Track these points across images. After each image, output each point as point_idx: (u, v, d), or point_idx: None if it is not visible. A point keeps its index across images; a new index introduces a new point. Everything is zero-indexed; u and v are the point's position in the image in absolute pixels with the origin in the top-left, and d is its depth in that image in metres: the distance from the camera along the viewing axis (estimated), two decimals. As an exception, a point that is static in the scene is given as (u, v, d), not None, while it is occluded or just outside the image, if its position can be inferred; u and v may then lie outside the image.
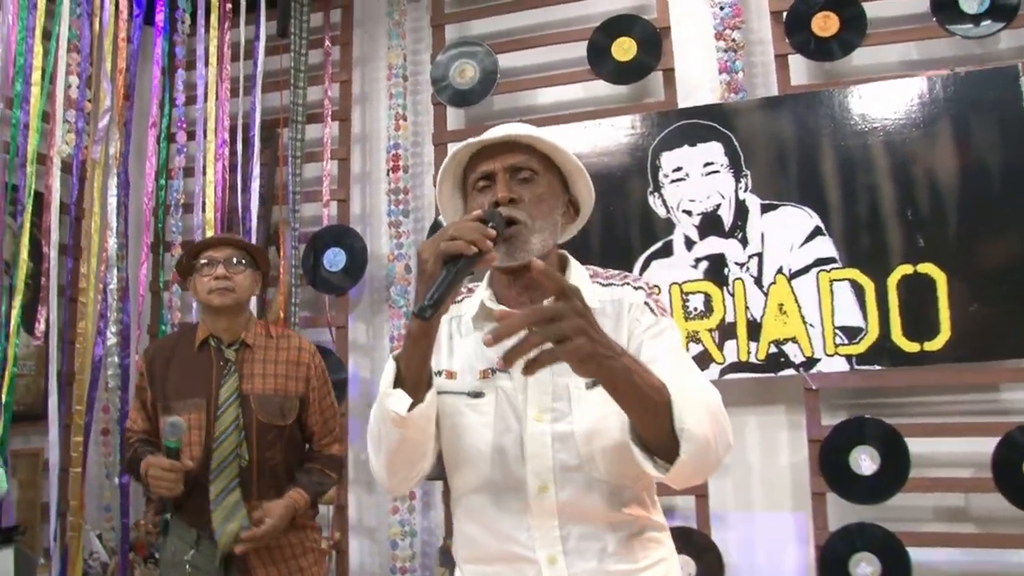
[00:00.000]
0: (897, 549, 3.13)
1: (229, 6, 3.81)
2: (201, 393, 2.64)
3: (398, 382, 1.42)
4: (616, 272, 1.65)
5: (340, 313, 3.87)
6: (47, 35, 3.25)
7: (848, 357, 3.26)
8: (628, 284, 1.60)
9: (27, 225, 3.14)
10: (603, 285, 1.60)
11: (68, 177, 3.30)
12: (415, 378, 1.41)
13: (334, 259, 3.86)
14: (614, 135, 3.59)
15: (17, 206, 3.13)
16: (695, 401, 1.34)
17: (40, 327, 3.17)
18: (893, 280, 3.24)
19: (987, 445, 3.08)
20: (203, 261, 2.69)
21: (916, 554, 3.13)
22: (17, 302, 3.08)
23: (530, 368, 1.20)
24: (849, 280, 3.28)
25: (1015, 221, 3.13)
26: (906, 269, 3.23)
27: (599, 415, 1.47)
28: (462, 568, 1.61)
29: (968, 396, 3.27)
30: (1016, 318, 3.10)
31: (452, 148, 3.56)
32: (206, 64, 3.71)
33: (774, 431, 3.46)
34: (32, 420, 3.38)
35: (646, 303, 1.56)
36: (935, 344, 3.18)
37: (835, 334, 3.28)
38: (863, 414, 3.26)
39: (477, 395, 1.54)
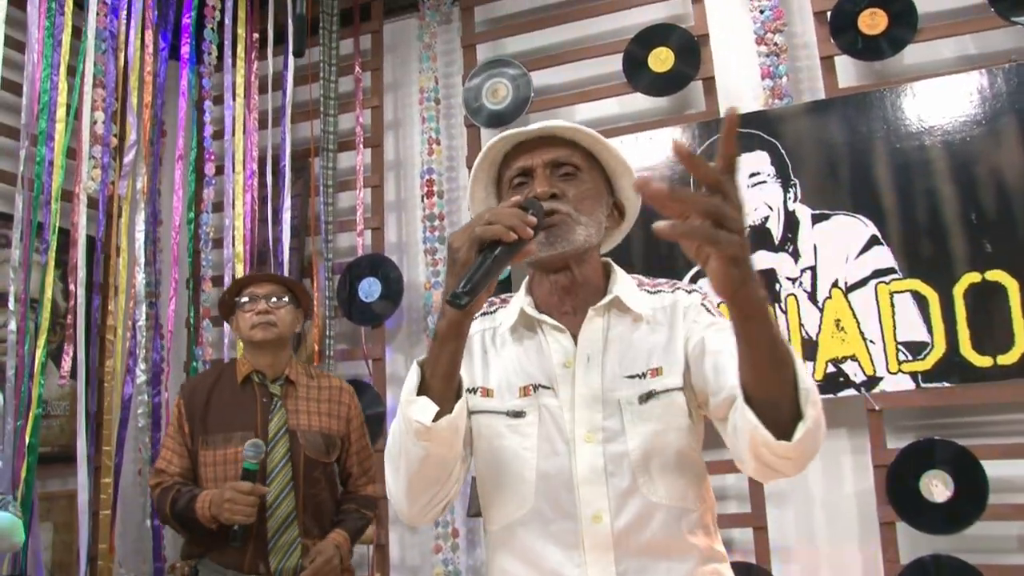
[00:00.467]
0: (978, 583, 2.87)
1: (256, 36, 3.76)
2: (248, 427, 2.60)
3: (423, 389, 1.26)
4: (664, 280, 1.51)
5: (377, 345, 3.75)
6: (71, 71, 3.23)
7: (913, 374, 3.02)
8: (680, 289, 1.47)
9: (51, 263, 3.10)
10: (651, 293, 1.46)
11: (95, 213, 3.25)
12: (442, 385, 1.25)
13: (369, 289, 3.76)
14: (654, 149, 3.43)
15: (42, 243, 3.09)
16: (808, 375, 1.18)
17: (66, 366, 3.11)
18: (959, 289, 3.00)
19: (1075, 467, 2.81)
20: (245, 298, 2.70)
21: (999, 588, 2.86)
22: (42, 341, 3.03)
23: (675, 230, 0.98)
24: (911, 291, 3.05)
25: (1093, 221, 2.89)
26: (973, 277, 2.99)
27: (656, 431, 1.34)
28: None
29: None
30: (1101, 327, 2.84)
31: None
32: (233, 96, 3.65)
33: (836, 457, 3.22)
34: (67, 461, 3.32)
35: (703, 304, 1.43)
36: (1010, 357, 2.92)
37: (898, 350, 3.04)
38: (932, 435, 3.01)
39: (518, 415, 1.40)
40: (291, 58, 3.74)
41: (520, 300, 1.48)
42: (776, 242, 3.23)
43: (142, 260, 3.34)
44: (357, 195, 3.83)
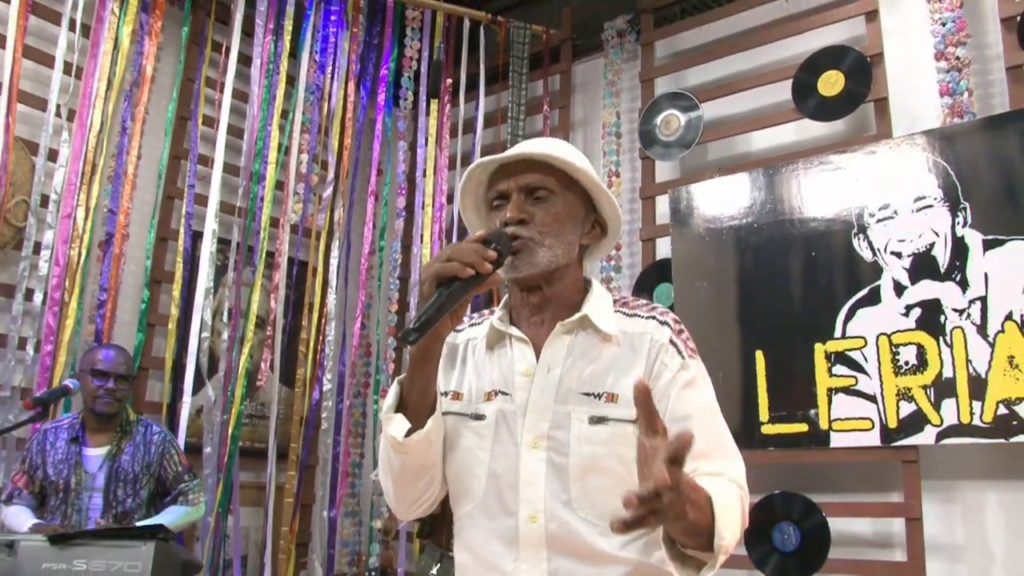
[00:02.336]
0: None
1: (450, 82, 4.14)
2: None
3: (402, 405, 1.40)
4: (644, 302, 1.51)
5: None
6: (284, 114, 3.78)
7: (1101, 422, 2.61)
8: (654, 318, 1.46)
9: (258, 282, 3.62)
10: (627, 315, 1.48)
11: (294, 238, 3.76)
12: (417, 403, 1.39)
13: (548, 317, 3.93)
14: (821, 175, 3.29)
15: (252, 265, 3.63)
16: (731, 505, 1.26)
17: (264, 377, 3.61)
18: None
19: None
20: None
21: None
22: (246, 349, 3.55)
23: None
24: (1101, 328, 2.65)
25: None
26: None
27: (598, 454, 1.37)
28: None
29: None
30: None
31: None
32: (426, 139, 4.04)
33: (1019, 509, 2.84)
34: (261, 456, 3.80)
35: (672, 342, 1.43)
36: None
37: (1082, 393, 2.65)
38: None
39: (479, 417, 1.47)
40: (482, 103, 4.06)
41: (497, 313, 1.58)
42: (942, 270, 2.95)
43: (334, 282, 3.78)
44: (541, 228, 4.03)
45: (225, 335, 3.63)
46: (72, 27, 3.44)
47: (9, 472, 3.03)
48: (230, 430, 3.51)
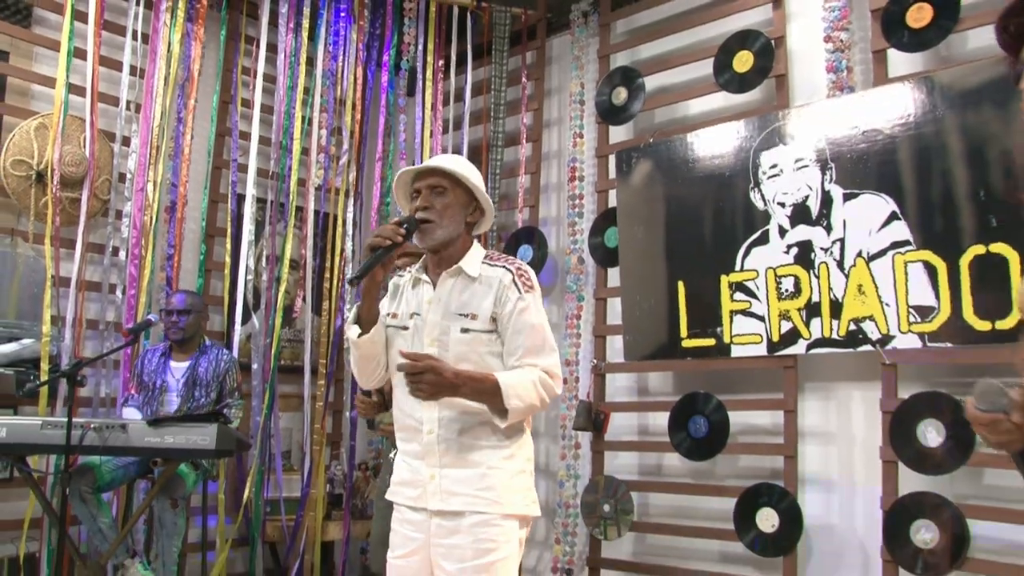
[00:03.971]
0: (958, 520, 3.26)
1: (441, 63, 4.97)
2: None
3: (357, 320, 2.34)
4: (507, 257, 2.41)
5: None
6: (305, 91, 4.68)
7: (921, 335, 3.43)
8: (505, 267, 2.36)
9: (290, 232, 4.58)
10: (490, 265, 2.37)
11: (319, 196, 4.71)
12: (366, 318, 2.33)
13: (525, 254, 4.80)
14: (728, 140, 4.06)
15: (284, 219, 4.58)
16: (522, 383, 2.18)
17: (299, 309, 4.59)
18: (965, 260, 3.34)
19: (1055, 424, 3.08)
20: None
21: (975, 527, 3.23)
22: (283, 287, 4.52)
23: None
24: (923, 261, 3.45)
25: (1091, 197, 3.09)
26: (978, 249, 3.32)
27: (464, 351, 2.29)
28: (397, 434, 2.47)
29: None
30: (1090, 296, 3.06)
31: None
32: (423, 109, 4.90)
33: (851, 403, 3.72)
34: (297, 371, 4.81)
35: (513, 282, 2.32)
36: (1007, 323, 3.23)
37: (909, 313, 3.46)
38: (933, 389, 3.40)
39: (404, 328, 2.41)
40: (469, 75, 4.89)
41: (418, 265, 2.48)
42: (813, 218, 3.75)
43: (351, 231, 4.71)
44: (519, 181, 4.89)
45: (266, 276, 4.62)
46: (135, 37, 4.35)
47: (111, 383, 4.12)
48: (272, 351, 4.51)
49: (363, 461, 4.79)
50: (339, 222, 4.83)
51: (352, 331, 2.32)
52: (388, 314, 2.43)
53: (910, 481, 3.41)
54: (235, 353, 4.37)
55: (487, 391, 2.15)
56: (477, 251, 2.40)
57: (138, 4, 4.36)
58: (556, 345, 2.34)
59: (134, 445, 3.19)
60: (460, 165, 2.37)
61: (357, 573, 4.86)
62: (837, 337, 3.65)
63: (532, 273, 2.36)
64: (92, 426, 3.16)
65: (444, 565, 2.15)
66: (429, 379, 2.09)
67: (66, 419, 3.04)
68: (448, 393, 2.14)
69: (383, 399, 3.28)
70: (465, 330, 2.27)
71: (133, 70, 4.35)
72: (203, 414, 3.44)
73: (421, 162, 4.86)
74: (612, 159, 4.57)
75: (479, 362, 2.25)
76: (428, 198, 2.33)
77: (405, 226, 2.25)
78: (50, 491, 3.72)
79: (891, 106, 3.57)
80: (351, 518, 4.69)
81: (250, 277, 4.56)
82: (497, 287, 2.29)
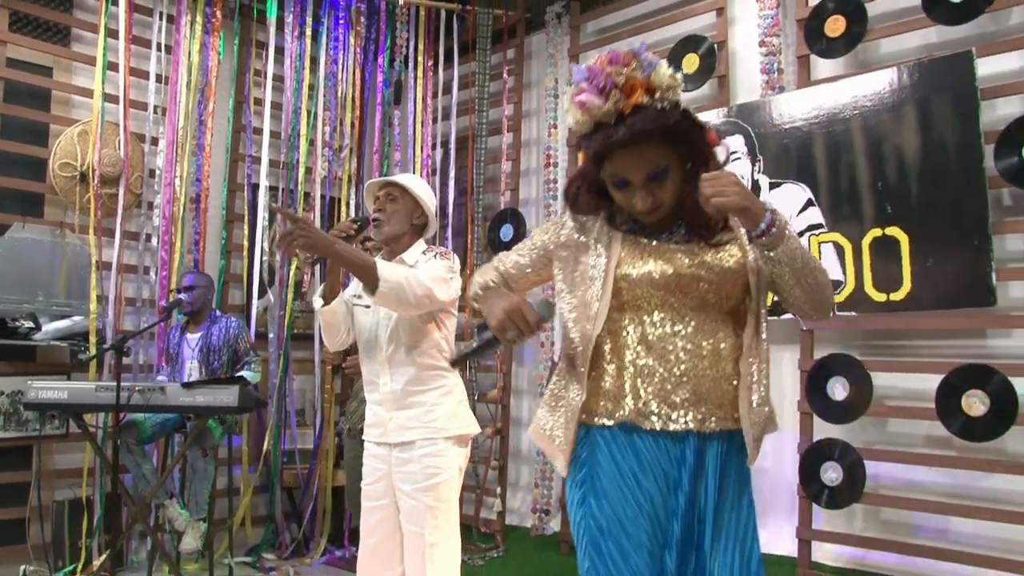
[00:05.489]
0: (857, 461, 3.88)
1: (431, 62, 5.55)
2: None
3: (323, 297, 2.96)
4: (438, 249, 3.03)
5: (509, 271, 5.43)
6: (310, 87, 5.29)
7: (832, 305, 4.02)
8: (435, 255, 2.98)
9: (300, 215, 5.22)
10: (424, 255, 3.00)
11: (324, 184, 5.35)
12: (329, 293, 2.92)
13: (506, 232, 5.42)
14: (678, 132, 4.63)
15: (294, 203, 5.23)
16: (394, 268, 2.68)
17: (307, 282, 5.25)
18: (866, 241, 3.93)
19: (933, 382, 3.69)
20: None
21: (871, 467, 3.86)
22: (294, 265, 5.18)
23: (281, 242, 2.59)
24: (833, 242, 4.03)
25: (966, 189, 3.64)
26: (876, 232, 3.90)
27: (400, 316, 2.86)
28: (364, 388, 3.10)
29: (925, 341, 3.89)
30: (964, 275, 3.64)
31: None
32: (414, 102, 5.50)
33: (784, 363, 4.32)
34: (308, 339, 5.49)
35: (434, 256, 2.93)
36: (899, 295, 3.83)
37: (822, 286, 4.05)
38: (840, 351, 4.01)
39: (367, 307, 3.02)
40: (456, 71, 5.48)
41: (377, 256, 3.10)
42: (745, 203, 4.33)
43: (353, 214, 5.34)
44: (502, 166, 5.49)
45: (279, 256, 5.28)
46: (159, 49, 4.98)
47: (148, 352, 4.84)
48: (286, 321, 5.18)
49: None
50: (342, 206, 5.46)
51: (317, 303, 2.91)
52: (355, 295, 3.05)
53: (825, 429, 4.03)
54: (253, 323, 5.04)
55: (361, 262, 2.58)
56: (419, 246, 2.99)
57: (162, 19, 4.98)
58: (443, 275, 2.79)
59: (171, 404, 3.88)
60: (409, 181, 2.98)
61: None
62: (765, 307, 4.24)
63: (452, 255, 2.92)
64: (137, 388, 3.85)
65: (401, 487, 2.79)
66: (299, 234, 2.47)
67: (115, 383, 3.73)
68: (322, 249, 2.52)
69: (343, 354, 3.81)
70: None
71: (159, 78, 4.98)
72: (227, 378, 4.13)
73: (412, 153, 5.52)
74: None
75: (420, 328, 2.84)
76: (382, 203, 2.95)
77: (358, 223, 2.88)
78: (101, 443, 4.43)
79: (810, 106, 4.13)
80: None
81: (265, 257, 5.22)
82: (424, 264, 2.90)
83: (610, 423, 1.83)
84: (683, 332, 1.81)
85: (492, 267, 2.12)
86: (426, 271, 2.78)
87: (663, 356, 1.80)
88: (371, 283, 2.58)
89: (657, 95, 1.72)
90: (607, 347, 1.86)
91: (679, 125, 1.75)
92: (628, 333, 1.84)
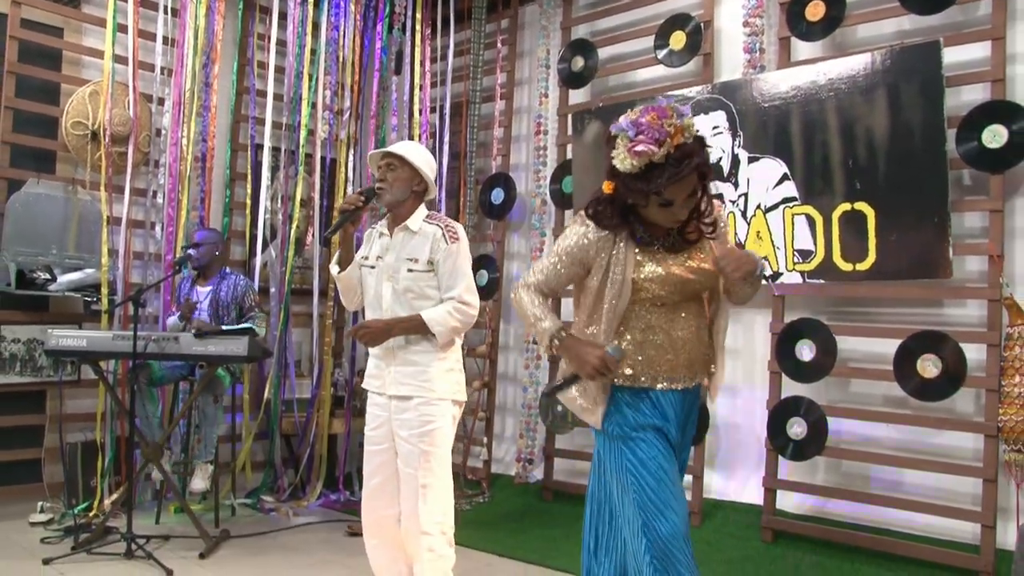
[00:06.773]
0: (820, 417, 4.21)
1: (428, 30, 5.75)
2: None
3: (338, 262, 3.25)
4: (440, 216, 3.29)
5: (499, 232, 5.70)
6: (312, 52, 5.48)
7: (802, 273, 4.33)
8: (438, 224, 3.24)
9: (301, 176, 5.45)
10: (428, 224, 3.26)
11: (324, 145, 5.58)
12: (343, 260, 3.24)
13: (496, 195, 5.68)
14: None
15: (295, 165, 5.45)
16: (439, 313, 3.06)
17: (309, 241, 5.50)
18: (836, 214, 4.21)
19: (892, 346, 4.01)
20: None
21: (833, 423, 4.19)
22: (295, 222, 5.42)
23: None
24: (805, 214, 4.32)
25: (929, 170, 3.93)
26: (846, 206, 4.18)
27: (410, 286, 3.14)
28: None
29: (886, 309, 4.21)
30: (925, 248, 3.93)
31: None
32: (412, 68, 5.71)
33: (757, 326, 4.64)
34: (308, 294, 5.73)
35: (443, 235, 3.19)
36: (864, 265, 4.13)
37: (794, 255, 4.36)
38: (808, 316, 4.32)
39: (372, 268, 3.29)
40: (452, 38, 5.69)
41: (383, 221, 3.35)
42: (725, 175, 4.61)
43: (351, 176, 5.58)
44: (494, 132, 5.72)
45: (280, 214, 5.51)
46: (167, 11, 5.14)
47: (154, 303, 5.08)
48: (286, 277, 5.43)
49: (362, 368, 5.76)
50: (342, 167, 5.69)
51: (334, 269, 3.23)
52: (363, 256, 3.32)
53: (793, 388, 4.36)
54: (256, 278, 5.28)
55: (416, 326, 3.05)
56: (421, 212, 3.23)
57: (169, -18, 5.15)
58: (470, 275, 3.16)
59: (184, 352, 4.14)
60: (407, 149, 3.21)
61: (357, 461, 5.90)
62: (740, 273, 4.55)
63: (458, 228, 3.19)
64: (153, 338, 4.11)
65: (400, 432, 3.09)
66: (363, 334, 3.06)
67: (132, 332, 3.98)
68: (384, 337, 3.06)
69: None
70: (411, 270, 3.12)
71: (166, 40, 5.15)
72: (236, 328, 4.39)
73: (408, 119, 5.73)
74: (570, 118, 5.40)
75: (421, 292, 3.11)
76: (384, 172, 3.19)
77: (364, 194, 3.14)
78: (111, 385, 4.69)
79: (788, 86, 4.38)
80: (352, 415, 5.67)
81: (267, 215, 5.46)
82: (432, 239, 3.14)
83: (630, 385, 2.48)
84: (680, 316, 2.48)
85: (531, 290, 2.58)
86: (453, 279, 3.10)
87: (669, 335, 2.46)
88: (428, 333, 3.05)
89: (686, 134, 2.29)
90: (623, 329, 2.47)
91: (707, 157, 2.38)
92: (640, 318, 2.46)
